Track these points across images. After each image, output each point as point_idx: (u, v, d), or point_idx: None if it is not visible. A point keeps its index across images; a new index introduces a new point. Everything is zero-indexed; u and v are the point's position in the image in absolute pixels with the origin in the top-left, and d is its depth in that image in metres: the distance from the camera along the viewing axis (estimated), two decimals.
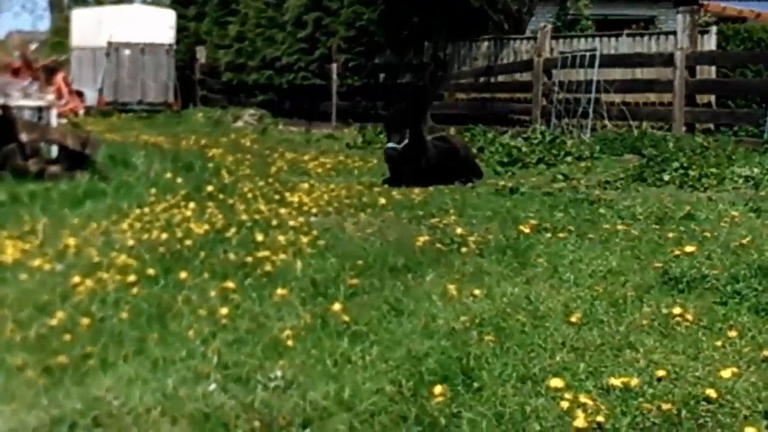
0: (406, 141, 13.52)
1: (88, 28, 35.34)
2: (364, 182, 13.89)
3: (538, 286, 6.98)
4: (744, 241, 8.34)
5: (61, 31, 42.63)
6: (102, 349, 5.53)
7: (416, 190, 12.79)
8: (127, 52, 34.40)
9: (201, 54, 37.76)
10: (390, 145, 13.65)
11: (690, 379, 4.96)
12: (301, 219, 10.01)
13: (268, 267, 7.56)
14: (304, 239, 8.72)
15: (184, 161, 16.42)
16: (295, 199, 11.52)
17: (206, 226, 9.40)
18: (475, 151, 17.02)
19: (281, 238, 8.73)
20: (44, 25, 49.22)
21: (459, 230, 9.20)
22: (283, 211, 10.57)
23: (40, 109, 19.20)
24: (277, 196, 11.91)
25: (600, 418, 4.44)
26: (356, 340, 5.67)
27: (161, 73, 34.78)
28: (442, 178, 13.63)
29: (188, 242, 8.55)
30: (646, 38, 21.07)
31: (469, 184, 13.61)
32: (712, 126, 18.35)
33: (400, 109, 14.77)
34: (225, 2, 36.95)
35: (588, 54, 20.21)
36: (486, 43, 25.71)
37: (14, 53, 35.26)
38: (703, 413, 4.57)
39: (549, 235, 9.05)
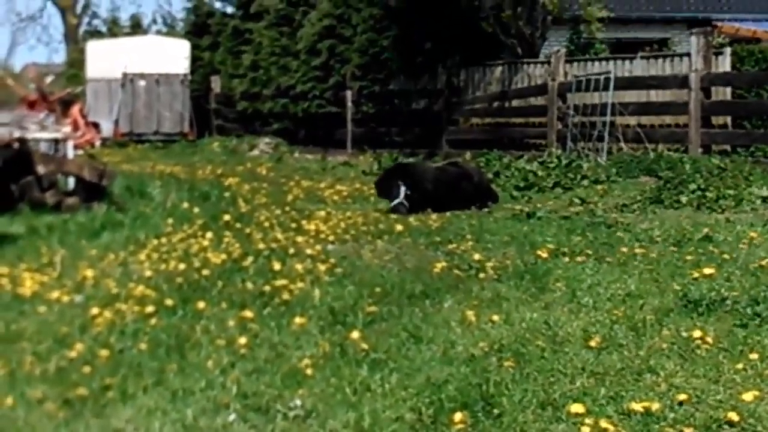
0: (405, 191, 13.46)
1: (103, 60, 35.53)
2: (381, 209, 13.88)
3: (557, 310, 6.96)
4: (763, 263, 8.32)
5: (76, 63, 42.88)
6: (121, 381, 5.54)
7: (433, 216, 12.80)
8: (142, 83, 34.56)
9: (216, 83, 37.88)
10: (396, 202, 13.51)
11: (711, 403, 4.94)
12: (318, 247, 10.02)
13: (285, 296, 7.56)
14: (322, 267, 8.73)
15: (200, 191, 16.46)
16: (312, 227, 11.53)
17: (223, 256, 9.41)
18: (490, 176, 17.02)
19: (298, 267, 8.73)
20: (59, 57, 49.56)
21: (476, 256, 9.20)
22: (300, 239, 10.58)
23: (56, 142, 19.30)
24: (293, 225, 11.92)
25: None
26: (375, 368, 5.66)
27: (176, 104, 34.92)
28: (457, 203, 13.61)
29: (206, 272, 8.57)
30: (660, 60, 21.05)
31: (485, 209, 13.60)
32: (728, 147, 18.30)
33: (388, 175, 14.54)
34: (239, 32, 37.10)
35: (602, 77, 20.22)
36: (500, 68, 25.73)
37: (30, 86, 35.46)
38: None
39: (567, 259, 9.04)
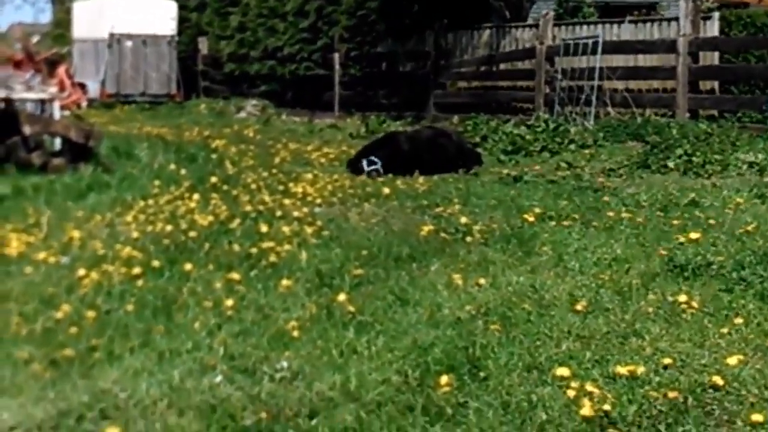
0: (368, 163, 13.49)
1: (90, 20, 35.32)
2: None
3: (543, 274, 6.98)
4: (749, 228, 8.35)
5: (62, 23, 42.65)
6: (108, 342, 5.54)
7: (420, 179, 12.79)
8: (129, 43, 34.38)
9: (203, 45, 37.72)
10: (373, 167, 13.50)
11: (696, 367, 4.96)
12: (305, 209, 10.02)
13: (272, 258, 7.57)
14: (309, 230, 8.73)
15: (187, 152, 16.43)
16: (299, 189, 11.53)
17: (210, 218, 9.40)
18: (478, 139, 17.03)
19: (285, 229, 8.74)
20: (46, 17, 49.25)
21: (463, 219, 9.20)
22: (287, 201, 10.57)
23: (42, 102, 19.18)
24: (280, 187, 11.90)
25: (606, 407, 4.44)
26: (362, 331, 5.67)
27: (163, 65, 34.77)
28: (439, 163, 13.60)
29: (193, 234, 8.56)
30: (648, 25, 21.04)
31: (471, 172, 13.58)
32: (715, 112, 18.30)
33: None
34: None
35: (590, 41, 20.17)
36: (488, 32, 25.69)
37: (16, 46, 35.23)
38: (710, 401, 4.57)
39: (553, 223, 9.06)
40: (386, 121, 23.24)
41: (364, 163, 13.46)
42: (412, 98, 26.54)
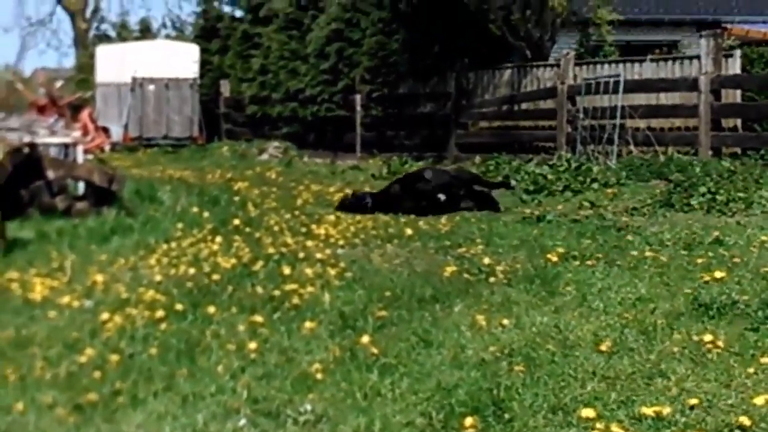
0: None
1: (113, 65, 35.60)
2: (390, 213, 13.89)
3: (567, 314, 6.96)
4: None
5: (85, 68, 42.95)
6: (131, 386, 5.54)
7: (443, 219, 12.79)
8: (151, 87, 34.61)
9: (225, 87, 37.91)
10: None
11: (723, 408, 4.93)
12: (327, 251, 10.03)
13: (295, 300, 7.57)
14: (332, 271, 8.73)
15: (210, 195, 16.47)
16: (322, 231, 11.54)
17: (233, 260, 9.42)
18: (500, 178, 17.02)
19: (308, 271, 8.74)
20: (69, 62, 49.61)
21: (486, 260, 9.19)
22: (309, 243, 10.59)
23: (66, 146, 19.33)
24: (303, 229, 11.92)
25: None
26: (385, 373, 5.66)
27: (186, 108, 34.97)
28: (458, 206, 13.71)
29: (216, 276, 8.58)
30: (669, 63, 21.08)
31: (488, 211, 13.60)
32: (738, 150, 18.30)
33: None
34: (248, 36, 37.17)
35: (612, 80, 20.23)
36: (509, 71, 25.77)
37: (40, 90, 35.56)
38: None
39: (577, 263, 9.03)
40: (408, 161, 23.30)
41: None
42: (434, 138, 26.64)
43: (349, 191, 16.73)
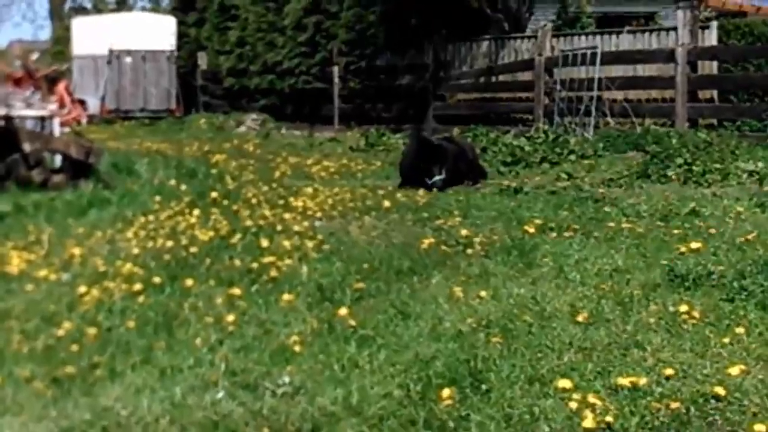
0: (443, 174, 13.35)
1: (89, 37, 35.42)
2: (367, 185, 13.88)
3: (544, 286, 6.97)
4: (749, 237, 8.34)
5: (62, 40, 42.74)
6: (109, 359, 5.54)
7: (420, 192, 12.78)
8: (128, 59, 34.47)
9: (202, 60, 37.76)
10: (437, 177, 13.31)
11: (698, 377, 4.96)
12: (305, 224, 10.02)
13: (273, 272, 7.56)
14: (309, 244, 8.73)
15: (187, 168, 16.43)
16: (300, 203, 11.52)
17: (211, 233, 9.40)
18: (478, 151, 17.01)
19: (286, 243, 8.73)
20: (45, 34, 49.30)
21: (464, 231, 9.20)
22: (287, 216, 10.57)
23: (42, 119, 19.20)
24: (281, 201, 11.89)
25: (609, 418, 4.44)
26: (363, 345, 5.67)
27: (163, 80, 34.86)
28: (455, 181, 13.57)
29: (193, 249, 8.57)
30: (646, 35, 21.10)
31: (477, 185, 13.58)
32: (715, 121, 18.33)
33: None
34: (225, 8, 36.97)
35: (589, 52, 20.23)
36: (486, 43, 25.74)
37: (16, 63, 35.31)
38: (712, 411, 4.57)
39: (554, 234, 9.05)
40: (386, 134, 23.24)
41: (436, 178, 13.32)
42: (412, 110, 26.58)
43: (334, 164, 16.71)
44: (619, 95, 19.56)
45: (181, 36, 36.86)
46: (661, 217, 9.87)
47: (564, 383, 4.86)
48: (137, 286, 7.13)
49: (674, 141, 15.60)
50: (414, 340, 5.74)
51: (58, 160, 13.79)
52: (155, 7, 44.81)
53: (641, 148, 15.90)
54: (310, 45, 31.24)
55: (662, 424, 4.44)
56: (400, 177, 13.95)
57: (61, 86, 30.93)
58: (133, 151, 20.00)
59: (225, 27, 36.68)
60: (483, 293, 6.73)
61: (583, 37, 22.47)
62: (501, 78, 24.52)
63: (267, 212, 10.86)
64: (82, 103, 32.22)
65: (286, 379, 5.11)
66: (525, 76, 22.87)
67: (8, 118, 14.05)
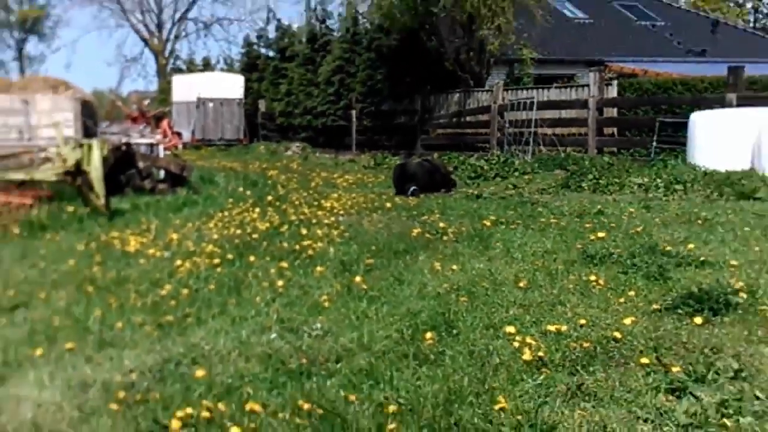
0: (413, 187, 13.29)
1: (184, 89, 35.47)
2: (375, 192, 13.88)
3: (496, 262, 6.96)
4: (638, 229, 8.33)
5: (165, 90, 42.69)
6: (197, 311, 5.57)
7: (412, 198, 12.78)
8: (210, 104, 34.48)
9: (262, 105, 37.77)
10: (410, 190, 13.21)
11: (602, 326, 4.96)
12: (332, 218, 10.03)
13: (310, 252, 7.58)
14: (335, 232, 8.74)
15: (251, 179, 16.45)
16: (328, 204, 11.53)
17: (267, 224, 9.42)
18: (451, 168, 17.00)
19: (319, 232, 8.74)
20: (153, 86, 49.19)
21: (441, 224, 9.19)
22: (320, 213, 10.58)
23: (151, 145, 19.23)
24: (315, 203, 11.91)
25: (540, 354, 4.44)
26: (371, 302, 5.68)
27: (234, 119, 34.86)
28: (430, 188, 13.56)
29: (255, 235, 8.59)
30: (569, 89, 21.03)
31: (450, 193, 13.57)
32: (615, 149, 18.29)
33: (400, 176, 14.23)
34: (277, 69, 36.97)
35: (528, 101, 20.24)
36: (457, 95, 25.69)
37: (133, 106, 35.34)
38: (612, 349, 4.57)
39: (504, 226, 9.03)
40: (388, 157, 23.22)
41: (410, 190, 13.25)
42: (406, 141, 26.60)
43: (352, 177, 16.70)
44: (549, 131, 19.53)
45: (247, 88, 36.83)
46: (577, 215, 9.85)
47: (510, 329, 4.87)
48: (216, 260, 7.17)
49: (587, 163, 15.59)
50: (406, 299, 5.75)
51: (162, 173, 13.84)
52: (230, 68, 44.72)
53: (564, 168, 15.87)
54: (335, 95, 31.26)
55: (577, 357, 4.45)
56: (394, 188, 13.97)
57: (164, 123, 30.97)
58: (213, 168, 20.02)
59: (277, 82, 36.66)
60: (454, 267, 6.74)
61: (525, 91, 22.42)
62: (467, 119, 24.49)
63: (306, 210, 10.88)
64: (178, 134, 32.23)
65: (318, 326, 5.13)
66: (484, 117, 22.84)
67: (128, 145, 14.11)
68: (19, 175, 11.08)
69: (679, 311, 5.14)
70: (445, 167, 15.36)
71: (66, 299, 5.98)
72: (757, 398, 3.92)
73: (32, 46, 52.73)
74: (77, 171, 10.46)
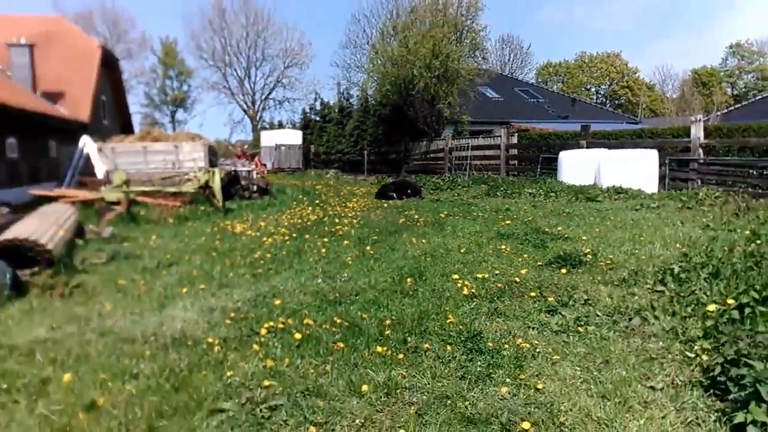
0: (394, 195, 13.34)
1: (267, 138, 35.33)
2: (377, 200, 13.85)
3: (448, 238, 6.95)
4: (529, 219, 8.31)
5: (257, 139, 42.53)
6: (276, 266, 5.55)
7: (399, 201, 12.74)
8: (283, 147, 34.36)
9: (312, 148, 37.65)
10: (393, 196, 13.33)
11: (509, 274, 4.96)
12: (353, 213, 10.00)
13: (340, 232, 7.56)
14: (354, 221, 8.71)
15: (306, 190, 16.38)
16: (351, 205, 11.50)
17: (315, 216, 9.38)
18: (421, 184, 16.98)
19: (345, 221, 8.72)
20: (250, 137, 49.13)
21: (416, 216, 9.16)
22: (346, 210, 10.55)
23: (249, 171, 19.05)
24: (343, 204, 11.88)
25: (474, 290, 4.44)
26: (376, 261, 5.67)
27: (297, 156, 34.74)
28: (407, 196, 13.56)
29: (308, 223, 8.55)
30: (490, 138, 20.94)
31: (418, 198, 13.54)
32: (516, 173, 18.21)
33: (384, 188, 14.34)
34: (322, 128, 36.73)
35: (466, 145, 20.14)
36: (425, 141, 25.58)
37: (237, 149, 35.16)
38: (515, 288, 4.57)
39: (452, 217, 9.01)
40: (385, 177, 23.12)
41: (393, 194, 13.26)
42: (395, 168, 26.46)
43: (364, 189, 16.63)
44: (478, 162, 19.44)
45: (303, 138, 36.60)
46: (494, 211, 9.82)
47: (455, 276, 4.87)
48: (286, 237, 7.14)
49: (500, 180, 15.50)
50: (396, 259, 5.74)
51: (254, 188, 13.78)
52: (293, 126, 44.53)
53: (486, 183, 15.75)
54: (355, 142, 31.10)
55: (494, 292, 4.44)
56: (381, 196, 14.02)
57: (256, 158, 30.77)
58: (284, 184, 19.93)
59: (321, 135, 36.40)
60: (423, 241, 6.72)
61: (464, 139, 22.33)
62: (431, 155, 24.38)
63: (338, 208, 10.84)
64: (264, 164, 32.10)
65: (345, 275, 5.12)
66: (440, 154, 22.68)
67: (235, 171, 14.09)
68: (173, 189, 11.07)
69: (553, 266, 5.15)
70: (414, 183, 15.32)
71: (200, 260, 5.98)
72: (597, 315, 3.92)
73: (179, 114, 52.41)
74: (206, 186, 10.45)
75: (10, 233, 5.41)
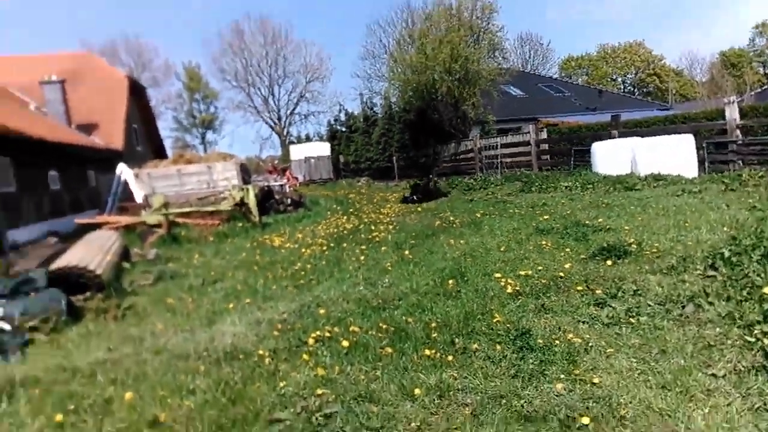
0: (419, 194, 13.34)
1: (297, 151, 35.75)
2: (413, 204, 13.84)
3: (486, 237, 6.89)
4: (568, 213, 8.17)
5: (286, 154, 43.13)
6: (317, 277, 5.60)
7: (432, 204, 12.69)
8: (313, 160, 34.73)
9: (341, 159, 37.93)
10: (413, 198, 13.41)
11: (553, 270, 4.88)
12: (388, 219, 10.02)
13: (377, 239, 7.57)
14: (390, 227, 8.72)
15: (339, 200, 16.49)
16: (386, 211, 11.53)
17: (351, 225, 9.44)
18: (449, 186, 16.89)
19: (381, 227, 8.73)
20: (279, 152, 49.85)
21: (452, 218, 9.12)
22: (381, 216, 10.57)
23: (281, 185, 19.30)
24: (378, 211, 11.91)
25: (517, 288, 4.39)
26: (415, 265, 5.66)
27: (327, 166, 35.06)
28: (428, 197, 13.46)
29: (345, 232, 8.60)
30: (519, 135, 20.70)
31: (444, 198, 13.47)
32: (549, 167, 17.94)
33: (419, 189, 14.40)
34: (349, 138, 37.00)
35: (495, 143, 19.96)
36: (453, 143, 25.46)
37: (269, 164, 35.69)
38: (559, 283, 4.50)
39: (488, 216, 8.93)
40: (416, 182, 23.01)
41: (414, 197, 13.33)
42: (426, 171, 26.38)
43: (397, 195, 16.67)
44: (508, 160, 19.24)
45: (331, 149, 36.97)
46: (531, 207, 9.67)
47: (497, 275, 4.82)
48: (324, 248, 7.20)
49: (533, 176, 15.27)
50: (435, 262, 5.72)
51: (288, 201, 13.95)
52: (321, 139, 44.99)
53: (520, 180, 15.50)
54: (382, 150, 31.21)
55: (539, 288, 4.38)
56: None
57: (288, 172, 31.17)
58: (317, 195, 20.13)
59: (348, 145, 36.69)
60: (461, 242, 6.68)
61: (492, 138, 22.14)
62: (461, 156, 24.27)
63: (372, 215, 10.87)
64: (296, 177, 32.48)
65: (386, 280, 5.13)
66: (470, 155, 22.60)
67: (268, 186, 14.30)
68: (210, 208, 11.31)
69: (597, 258, 5.04)
70: (438, 184, 15.27)
71: (243, 275, 6.08)
72: (649, 305, 3.82)
73: (209, 135, 53.67)
74: (242, 203, 10.64)
75: (61, 261, 5.61)
